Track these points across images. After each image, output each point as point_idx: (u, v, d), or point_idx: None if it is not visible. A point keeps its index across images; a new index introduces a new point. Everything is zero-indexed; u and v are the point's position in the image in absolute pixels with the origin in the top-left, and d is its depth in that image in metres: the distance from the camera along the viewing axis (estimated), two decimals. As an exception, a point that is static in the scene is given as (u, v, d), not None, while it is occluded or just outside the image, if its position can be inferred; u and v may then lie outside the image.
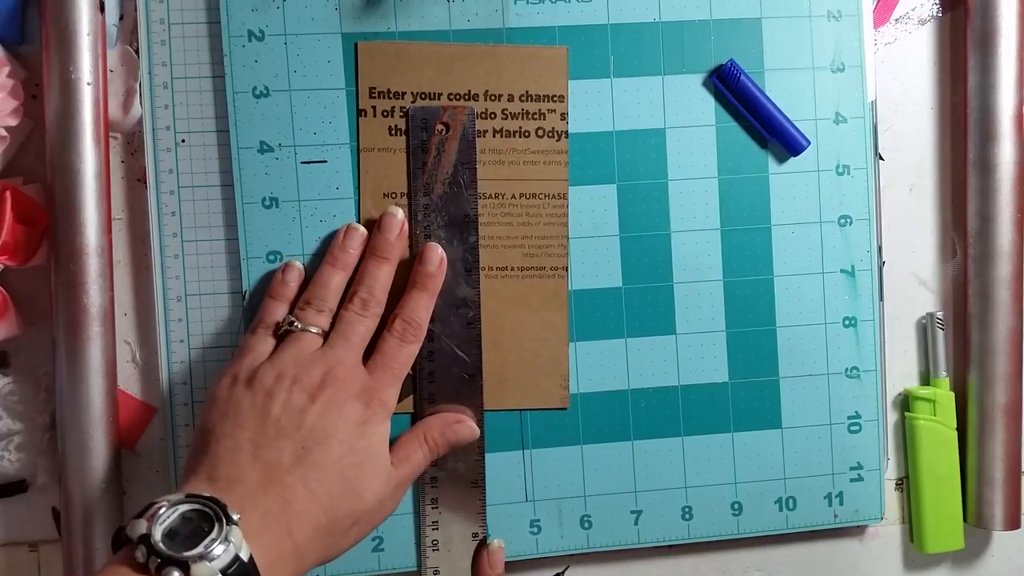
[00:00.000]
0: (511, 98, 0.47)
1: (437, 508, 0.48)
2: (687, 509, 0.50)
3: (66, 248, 0.44)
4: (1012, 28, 0.49)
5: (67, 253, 0.44)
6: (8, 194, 0.43)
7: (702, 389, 0.49)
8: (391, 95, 0.47)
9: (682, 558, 0.51)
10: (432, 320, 0.46)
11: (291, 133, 0.46)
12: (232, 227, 0.47)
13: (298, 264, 0.46)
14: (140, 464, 0.48)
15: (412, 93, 0.47)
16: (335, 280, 0.45)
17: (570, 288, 0.48)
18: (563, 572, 0.50)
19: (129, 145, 0.47)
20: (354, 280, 0.45)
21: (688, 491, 0.50)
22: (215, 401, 0.42)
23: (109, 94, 0.45)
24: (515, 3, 0.47)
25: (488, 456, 0.48)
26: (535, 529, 0.49)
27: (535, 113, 0.47)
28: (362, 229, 0.46)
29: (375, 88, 0.47)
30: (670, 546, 0.50)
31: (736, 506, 0.50)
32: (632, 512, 0.49)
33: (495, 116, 0.47)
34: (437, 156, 0.47)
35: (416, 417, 0.47)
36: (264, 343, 0.44)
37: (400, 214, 0.46)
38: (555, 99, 0.47)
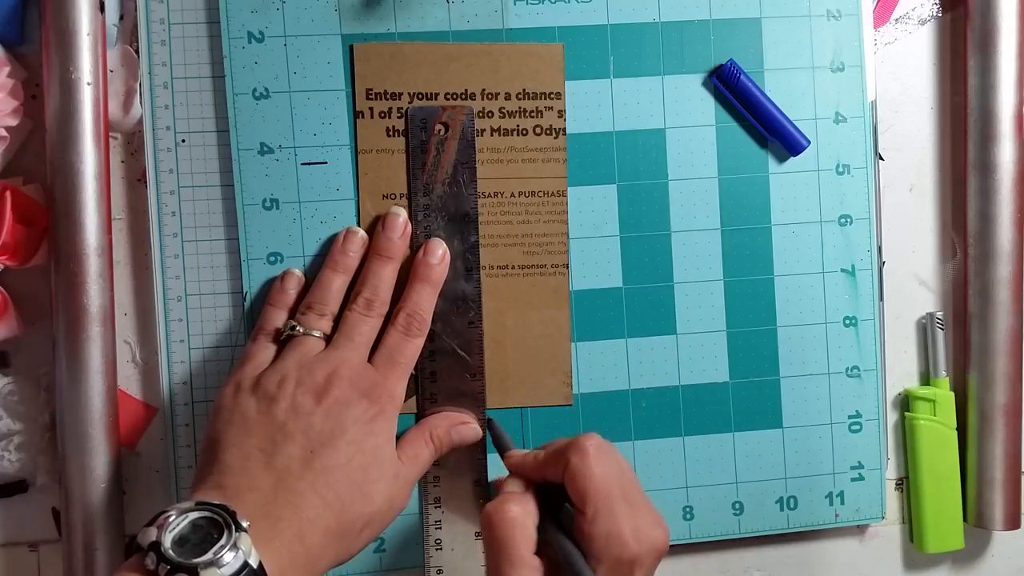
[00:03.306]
0: (508, 96, 0.47)
1: (440, 507, 0.47)
2: (688, 509, 0.49)
3: (66, 248, 0.44)
4: (1012, 28, 0.49)
5: (67, 253, 0.44)
6: (8, 194, 0.43)
7: (703, 389, 0.49)
8: (388, 96, 0.47)
9: (682, 558, 0.51)
10: (433, 320, 0.46)
11: (291, 135, 0.46)
12: (232, 227, 0.46)
13: (297, 272, 0.46)
14: (140, 464, 0.48)
15: (409, 94, 0.47)
16: (336, 284, 0.45)
17: (571, 288, 0.48)
18: None
19: (129, 145, 0.47)
20: (356, 282, 0.45)
21: (689, 491, 0.49)
22: (219, 410, 0.41)
23: (109, 94, 0.45)
24: (515, 3, 0.47)
25: (490, 456, 0.48)
26: (536, 529, 0.49)
27: (532, 111, 0.47)
28: (362, 232, 0.46)
29: (372, 90, 0.47)
30: (671, 546, 0.50)
31: (737, 506, 0.50)
32: (633, 512, 0.49)
33: (492, 115, 0.47)
34: (436, 156, 0.47)
35: (419, 418, 0.47)
36: (266, 350, 0.44)
37: (403, 214, 0.46)
38: (552, 96, 0.47)
